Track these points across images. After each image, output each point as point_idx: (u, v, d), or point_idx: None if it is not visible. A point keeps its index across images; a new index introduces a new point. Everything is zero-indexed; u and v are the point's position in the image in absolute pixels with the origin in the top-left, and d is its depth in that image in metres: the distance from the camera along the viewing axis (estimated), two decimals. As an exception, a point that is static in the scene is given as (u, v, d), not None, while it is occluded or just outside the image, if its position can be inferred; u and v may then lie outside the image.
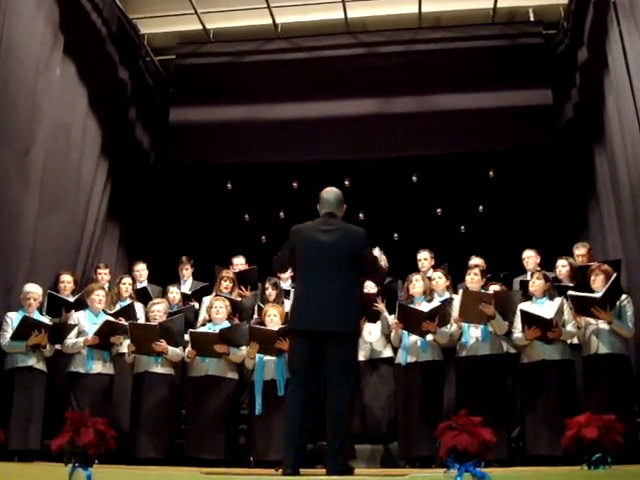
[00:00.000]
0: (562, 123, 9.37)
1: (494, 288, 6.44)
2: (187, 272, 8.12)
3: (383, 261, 5.96)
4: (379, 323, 6.61)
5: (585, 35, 8.39)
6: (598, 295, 5.77)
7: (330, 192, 4.80)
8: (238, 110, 9.52)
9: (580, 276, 6.64)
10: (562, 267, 6.90)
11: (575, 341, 6.17)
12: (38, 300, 6.51)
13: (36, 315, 6.39)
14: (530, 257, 7.32)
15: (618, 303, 5.83)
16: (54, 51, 7.46)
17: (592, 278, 6.00)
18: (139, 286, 7.75)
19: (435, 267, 7.43)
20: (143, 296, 7.47)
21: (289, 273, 7.00)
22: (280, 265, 5.00)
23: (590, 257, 7.18)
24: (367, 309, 6.41)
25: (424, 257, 7.51)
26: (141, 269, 7.99)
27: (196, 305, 7.49)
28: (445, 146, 9.15)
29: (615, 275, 5.85)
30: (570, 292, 6.08)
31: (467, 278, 6.38)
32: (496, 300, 5.96)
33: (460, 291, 6.27)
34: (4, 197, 6.49)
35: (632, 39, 6.90)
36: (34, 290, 6.47)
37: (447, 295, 6.56)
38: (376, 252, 5.43)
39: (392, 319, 6.34)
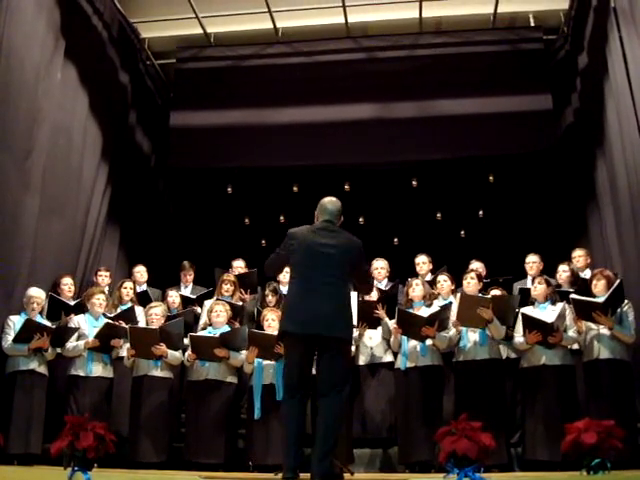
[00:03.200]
0: (562, 128, 9.38)
1: (494, 293, 6.45)
2: (190, 278, 8.13)
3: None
4: (379, 328, 6.60)
5: (585, 40, 8.40)
6: (600, 300, 5.77)
7: (332, 202, 4.81)
8: (238, 114, 9.53)
9: (581, 282, 6.65)
10: (563, 272, 6.91)
11: (576, 346, 6.16)
12: (41, 304, 6.53)
13: (38, 318, 6.40)
14: (534, 263, 7.33)
15: (619, 309, 5.82)
16: (55, 55, 7.47)
17: (594, 282, 5.99)
18: (139, 289, 7.75)
19: (433, 271, 7.44)
20: (144, 299, 7.47)
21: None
22: (275, 268, 5.01)
23: (587, 261, 7.20)
24: (368, 316, 6.41)
25: (422, 261, 7.53)
26: (141, 271, 8.01)
27: (198, 309, 7.48)
28: (445, 151, 9.15)
29: (619, 281, 5.84)
30: (572, 295, 6.07)
31: (464, 283, 6.39)
32: (494, 304, 5.96)
33: (458, 295, 6.27)
34: (5, 200, 6.50)
35: (632, 44, 6.91)
36: (38, 294, 6.49)
37: (451, 299, 6.56)
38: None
39: (392, 324, 6.34)
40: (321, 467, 4.24)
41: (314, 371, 4.64)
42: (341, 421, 4.46)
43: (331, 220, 4.73)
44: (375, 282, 7.25)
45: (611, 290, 5.77)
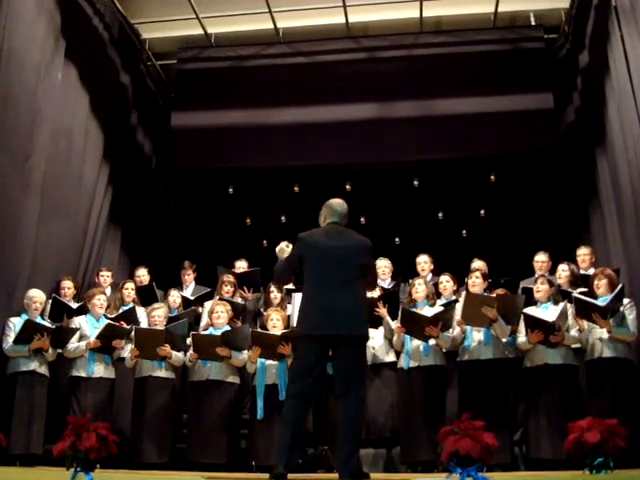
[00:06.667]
0: (563, 127, 9.37)
1: (498, 292, 6.44)
2: (189, 277, 8.10)
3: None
4: (381, 328, 6.59)
5: (586, 39, 8.38)
6: (602, 303, 5.74)
7: (340, 204, 4.85)
8: (239, 114, 9.53)
9: (581, 282, 6.63)
10: (562, 272, 6.88)
11: (578, 345, 6.13)
12: (42, 305, 6.52)
13: (38, 319, 6.40)
14: (544, 262, 7.28)
15: (621, 308, 5.79)
16: (55, 56, 7.47)
17: (595, 283, 5.95)
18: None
19: (434, 271, 7.43)
20: (149, 294, 7.45)
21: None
22: (286, 275, 4.94)
23: (592, 260, 7.17)
24: (369, 314, 6.38)
25: (424, 261, 7.51)
26: (142, 275, 7.96)
27: (199, 309, 7.47)
28: (446, 150, 9.14)
29: (621, 286, 5.82)
30: (575, 294, 6.06)
31: (469, 282, 6.37)
32: (499, 304, 5.94)
33: (463, 294, 6.26)
34: (5, 202, 6.50)
35: (633, 43, 6.90)
36: (39, 295, 6.49)
37: (454, 298, 6.55)
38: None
39: (395, 324, 6.32)
40: (348, 467, 4.29)
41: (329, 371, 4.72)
42: (361, 420, 4.51)
43: (339, 222, 4.77)
44: (379, 281, 7.28)
45: (613, 295, 5.73)
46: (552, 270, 7.18)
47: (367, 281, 4.88)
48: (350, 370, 4.48)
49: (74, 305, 7.03)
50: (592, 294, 5.98)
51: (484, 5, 9.19)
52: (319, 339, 4.49)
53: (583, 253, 7.18)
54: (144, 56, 9.96)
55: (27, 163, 6.88)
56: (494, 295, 6.16)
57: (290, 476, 4.34)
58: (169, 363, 6.40)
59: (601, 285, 5.92)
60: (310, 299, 4.62)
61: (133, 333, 6.36)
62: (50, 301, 6.89)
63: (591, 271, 6.84)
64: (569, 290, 6.47)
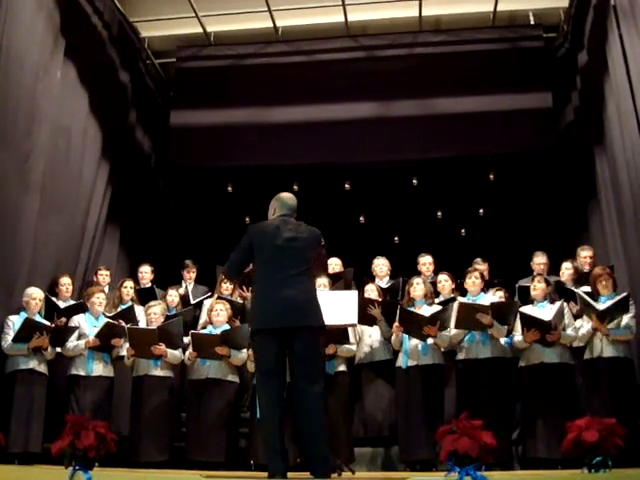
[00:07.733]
0: (562, 126, 9.36)
1: (499, 294, 6.48)
2: (192, 275, 8.11)
3: None
4: (377, 326, 6.58)
5: (585, 38, 8.39)
6: (601, 306, 5.76)
7: (290, 198, 4.84)
8: (239, 113, 9.53)
9: (584, 280, 6.63)
10: (566, 269, 6.90)
11: (576, 344, 6.13)
12: (41, 302, 6.52)
13: (37, 318, 6.40)
14: (546, 264, 7.29)
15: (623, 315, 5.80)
16: (54, 54, 7.46)
17: (604, 283, 5.96)
18: (143, 286, 7.74)
19: (435, 271, 7.42)
20: (149, 295, 7.44)
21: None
22: (238, 268, 4.82)
23: (593, 261, 7.17)
24: (364, 313, 6.37)
25: (428, 261, 7.48)
26: (144, 271, 7.97)
27: (196, 312, 7.47)
28: (445, 149, 9.14)
29: (625, 294, 5.81)
30: (578, 291, 6.06)
31: (467, 282, 6.37)
32: (494, 309, 5.93)
33: (456, 303, 6.23)
34: (4, 200, 6.49)
35: (632, 42, 6.91)
36: (37, 292, 6.49)
37: (451, 297, 6.55)
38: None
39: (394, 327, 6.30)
40: (326, 465, 4.24)
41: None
42: (324, 412, 4.38)
43: (289, 215, 4.74)
44: (377, 280, 7.28)
45: (614, 301, 5.75)
46: (550, 270, 7.18)
47: (317, 266, 4.81)
48: (310, 363, 4.38)
49: (65, 304, 7.00)
50: (594, 292, 6.00)
51: (483, 4, 9.20)
52: (277, 332, 4.37)
53: (589, 255, 7.16)
54: (143, 54, 9.95)
55: (26, 162, 6.87)
56: (488, 304, 6.09)
57: (289, 475, 4.30)
58: (165, 362, 6.40)
59: (609, 285, 5.94)
60: (264, 292, 4.50)
61: (127, 332, 6.36)
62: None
63: (592, 270, 6.86)
64: (572, 288, 6.47)
